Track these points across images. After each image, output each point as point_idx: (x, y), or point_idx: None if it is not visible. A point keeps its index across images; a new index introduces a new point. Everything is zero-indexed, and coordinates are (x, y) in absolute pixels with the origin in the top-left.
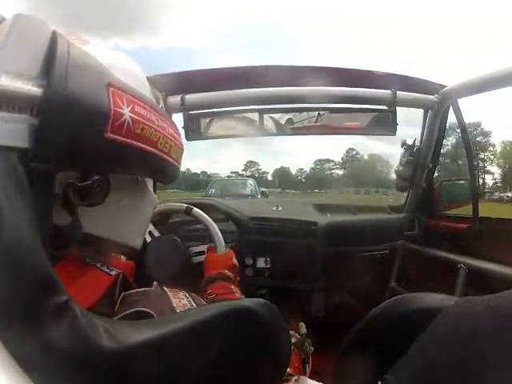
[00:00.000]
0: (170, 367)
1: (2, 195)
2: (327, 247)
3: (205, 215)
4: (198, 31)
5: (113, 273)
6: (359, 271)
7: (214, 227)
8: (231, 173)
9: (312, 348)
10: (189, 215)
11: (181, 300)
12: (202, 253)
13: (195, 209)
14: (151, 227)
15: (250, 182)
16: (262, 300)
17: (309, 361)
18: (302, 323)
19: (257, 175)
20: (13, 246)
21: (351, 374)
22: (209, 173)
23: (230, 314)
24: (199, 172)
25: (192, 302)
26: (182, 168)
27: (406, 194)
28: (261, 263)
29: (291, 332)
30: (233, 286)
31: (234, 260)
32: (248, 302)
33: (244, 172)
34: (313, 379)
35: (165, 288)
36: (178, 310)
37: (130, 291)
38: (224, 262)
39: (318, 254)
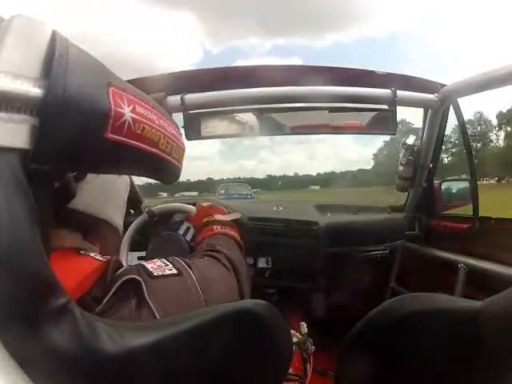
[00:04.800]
0: (171, 370)
1: (2, 197)
2: (328, 247)
3: (164, 205)
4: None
5: (105, 260)
6: (360, 271)
7: (175, 205)
8: None
9: (313, 347)
10: (154, 216)
11: (155, 263)
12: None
13: (155, 207)
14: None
15: (246, 185)
16: (263, 301)
17: (310, 360)
18: (303, 323)
19: None
20: (13, 247)
21: (352, 374)
22: None
23: (232, 315)
24: None
25: (166, 261)
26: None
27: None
28: (262, 263)
29: (292, 332)
30: (214, 226)
31: (204, 204)
32: (249, 304)
33: None
34: (314, 378)
35: (141, 261)
36: (155, 273)
37: (120, 270)
38: (198, 216)
39: (318, 254)
